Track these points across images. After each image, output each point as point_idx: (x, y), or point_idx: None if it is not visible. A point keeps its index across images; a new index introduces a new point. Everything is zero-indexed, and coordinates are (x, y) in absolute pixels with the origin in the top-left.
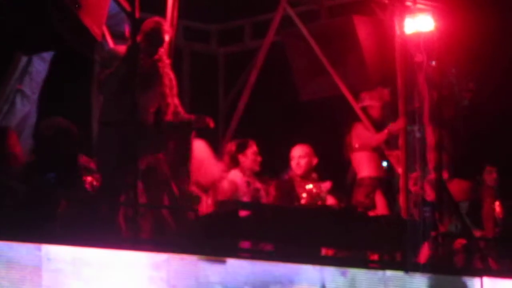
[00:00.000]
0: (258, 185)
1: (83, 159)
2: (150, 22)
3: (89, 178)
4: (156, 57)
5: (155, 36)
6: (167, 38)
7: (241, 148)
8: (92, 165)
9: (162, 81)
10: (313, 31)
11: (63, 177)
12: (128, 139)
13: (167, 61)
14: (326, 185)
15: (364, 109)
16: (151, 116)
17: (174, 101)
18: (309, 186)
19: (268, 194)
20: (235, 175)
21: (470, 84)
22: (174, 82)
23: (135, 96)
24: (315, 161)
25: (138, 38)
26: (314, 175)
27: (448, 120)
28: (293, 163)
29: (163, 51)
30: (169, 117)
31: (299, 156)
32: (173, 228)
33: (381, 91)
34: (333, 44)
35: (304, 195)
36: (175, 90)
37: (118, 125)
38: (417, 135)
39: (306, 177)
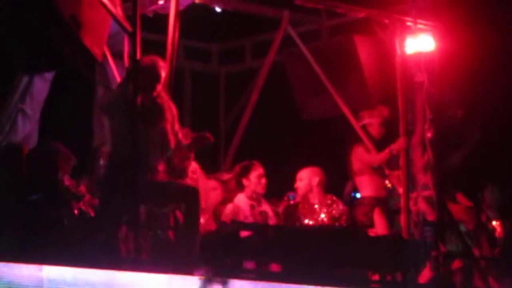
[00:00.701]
0: (265, 207)
1: (69, 183)
2: (146, 60)
3: (77, 204)
4: (155, 93)
5: (152, 73)
6: (163, 74)
7: (244, 172)
8: (81, 189)
9: (163, 118)
10: (314, 51)
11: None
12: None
13: (165, 95)
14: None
15: (364, 128)
16: (155, 156)
17: (175, 134)
18: (322, 216)
19: (278, 215)
20: (239, 199)
21: (458, 111)
22: (175, 115)
23: (137, 127)
24: (316, 180)
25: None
26: (328, 197)
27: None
28: (295, 186)
29: (161, 87)
30: (169, 153)
31: (299, 179)
32: (174, 248)
33: (380, 108)
34: (334, 63)
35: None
36: (176, 121)
37: (124, 167)
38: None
39: (307, 197)
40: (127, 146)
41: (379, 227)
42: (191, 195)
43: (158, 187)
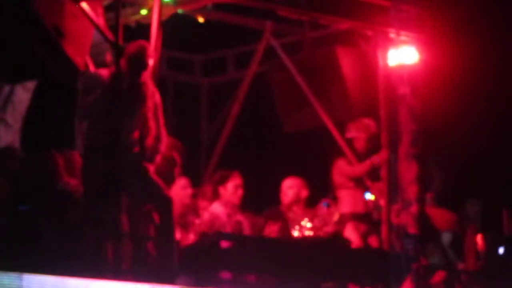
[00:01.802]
0: (240, 217)
1: (72, 184)
2: (134, 45)
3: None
4: (140, 80)
5: (139, 59)
6: (151, 62)
7: (222, 181)
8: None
9: (145, 105)
10: (297, 62)
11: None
12: (111, 165)
13: (151, 84)
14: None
15: (349, 141)
16: (134, 141)
17: (157, 124)
18: (304, 222)
19: (253, 227)
20: (215, 207)
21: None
22: (159, 105)
23: (119, 123)
24: (304, 193)
25: (122, 62)
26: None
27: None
28: (281, 193)
29: (147, 74)
30: (150, 141)
31: (288, 186)
32: (155, 258)
33: (368, 123)
34: (317, 75)
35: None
36: (160, 112)
37: (101, 151)
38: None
39: (291, 208)
40: (103, 131)
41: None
42: (166, 203)
43: (143, 176)
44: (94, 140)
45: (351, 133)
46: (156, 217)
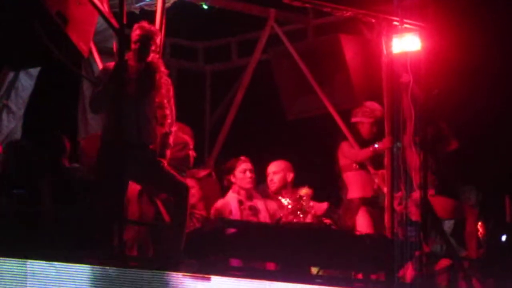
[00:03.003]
0: (255, 202)
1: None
2: (139, 25)
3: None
4: (149, 63)
5: (146, 38)
6: (158, 41)
7: (229, 170)
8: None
9: (159, 91)
10: (300, 50)
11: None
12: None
13: (164, 71)
14: (323, 206)
15: (354, 126)
16: (150, 125)
17: (171, 112)
18: (284, 200)
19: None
20: (229, 196)
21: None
22: (171, 93)
23: (121, 115)
24: (290, 176)
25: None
26: (305, 191)
27: (431, 140)
28: (268, 180)
29: (159, 60)
30: (165, 129)
31: (273, 172)
32: (160, 244)
33: (374, 108)
34: (320, 62)
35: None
36: (172, 101)
37: (111, 142)
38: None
39: (280, 193)
40: (116, 121)
41: (363, 227)
42: (183, 192)
43: (158, 171)
44: (106, 133)
45: (357, 118)
46: (160, 204)
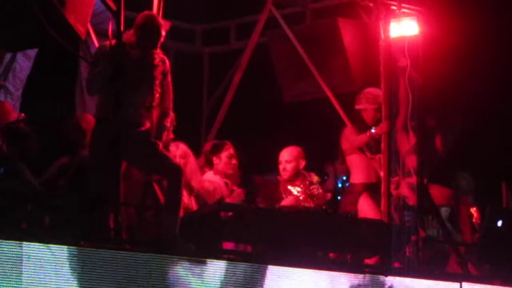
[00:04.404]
0: (235, 187)
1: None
2: (144, 14)
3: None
4: (154, 51)
5: (150, 28)
6: (163, 32)
7: (216, 150)
8: None
9: (155, 76)
10: (298, 33)
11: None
12: (115, 137)
13: (160, 52)
14: (328, 195)
15: (358, 112)
16: (142, 116)
17: (167, 96)
18: (298, 189)
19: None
20: (209, 176)
21: (457, 117)
22: (169, 75)
23: (119, 97)
24: (302, 163)
25: (128, 33)
26: (313, 177)
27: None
28: (280, 168)
29: (161, 54)
30: (162, 110)
31: (286, 160)
32: (155, 227)
33: (376, 92)
34: (318, 46)
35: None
36: (169, 84)
37: (107, 122)
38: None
39: (293, 180)
40: (111, 100)
41: (364, 213)
42: (176, 174)
43: (153, 152)
44: (100, 111)
45: (361, 105)
46: (157, 187)
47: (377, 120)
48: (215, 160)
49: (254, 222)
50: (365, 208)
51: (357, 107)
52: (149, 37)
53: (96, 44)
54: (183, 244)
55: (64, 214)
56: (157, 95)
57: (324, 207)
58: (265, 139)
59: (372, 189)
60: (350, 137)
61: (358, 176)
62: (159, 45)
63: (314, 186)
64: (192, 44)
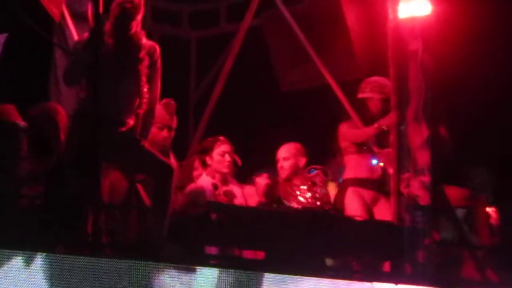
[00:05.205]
0: (232, 187)
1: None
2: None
3: None
4: (130, 34)
5: (126, 8)
6: (140, 15)
7: (206, 151)
8: None
9: (139, 67)
10: (296, 14)
11: None
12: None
13: (157, 49)
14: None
15: (361, 102)
16: (125, 112)
17: (154, 89)
18: (307, 195)
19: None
20: (203, 178)
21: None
22: (158, 65)
23: (96, 85)
24: (303, 161)
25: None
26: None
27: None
28: (278, 166)
29: (142, 32)
30: (148, 106)
31: (283, 158)
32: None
33: (383, 81)
34: (318, 28)
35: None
36: (157, 75)
37: (83, 118)
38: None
39: (291, 179)
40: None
41: (350, 209)
42: (166, 173)
43: (137, 150)
44: (79, 104)
45: (365, 93)
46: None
47: (383, 112)
48: (208, 160)
49: (249, 224)
50: (350, 204)
51: (361, 95)
52: (124, 17)
53: (72, 27)
54: (171, 247)
55: (37, 217)
56: (145, 89)
57: (327, 208)
58: (260, 133)
59: (361, 184)
60: (349, 133)
61: (347, 172)
62: (143, 32)
63: (317, 187)
64: (178, 27)
